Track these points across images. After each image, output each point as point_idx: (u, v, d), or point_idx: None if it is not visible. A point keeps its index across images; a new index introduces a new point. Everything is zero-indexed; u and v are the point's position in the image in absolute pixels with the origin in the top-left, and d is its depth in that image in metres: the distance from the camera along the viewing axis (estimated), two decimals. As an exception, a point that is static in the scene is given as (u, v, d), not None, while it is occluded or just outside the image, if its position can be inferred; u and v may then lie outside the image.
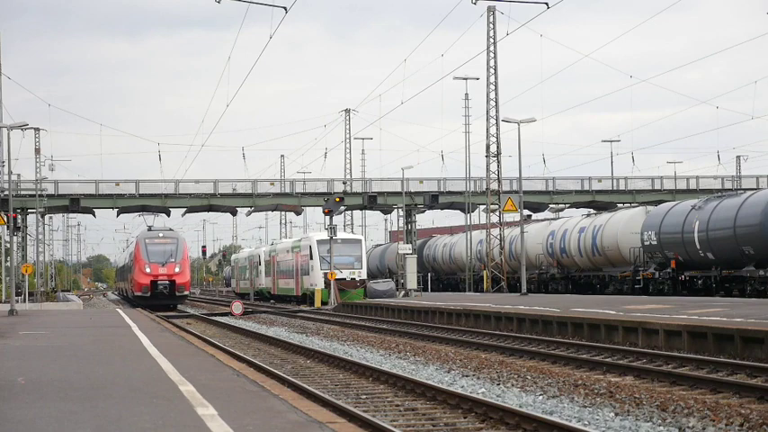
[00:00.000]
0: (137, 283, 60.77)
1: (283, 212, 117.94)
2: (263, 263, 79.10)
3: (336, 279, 55.00)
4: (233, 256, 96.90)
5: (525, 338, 26.80)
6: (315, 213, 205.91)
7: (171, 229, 64.59)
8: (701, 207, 42.99)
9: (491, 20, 59.00)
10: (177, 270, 60.08)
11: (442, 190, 78.36)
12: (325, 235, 57.92)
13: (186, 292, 61.80)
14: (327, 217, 56.38)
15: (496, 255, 62.06)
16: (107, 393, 12.87)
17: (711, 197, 44.83)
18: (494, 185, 60.63)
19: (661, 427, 12.98)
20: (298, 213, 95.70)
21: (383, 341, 28.15)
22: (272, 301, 73.16)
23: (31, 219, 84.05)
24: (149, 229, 63.99)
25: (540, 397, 15.73)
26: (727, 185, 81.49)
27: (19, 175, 77.10)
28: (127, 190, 77.63)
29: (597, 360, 20.64)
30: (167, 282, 59.77)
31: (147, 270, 59.72)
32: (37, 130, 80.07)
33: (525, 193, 60.04)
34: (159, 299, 59.68)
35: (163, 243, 61.00)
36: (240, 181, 78.58)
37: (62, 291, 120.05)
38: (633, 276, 49.31)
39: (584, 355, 21.84)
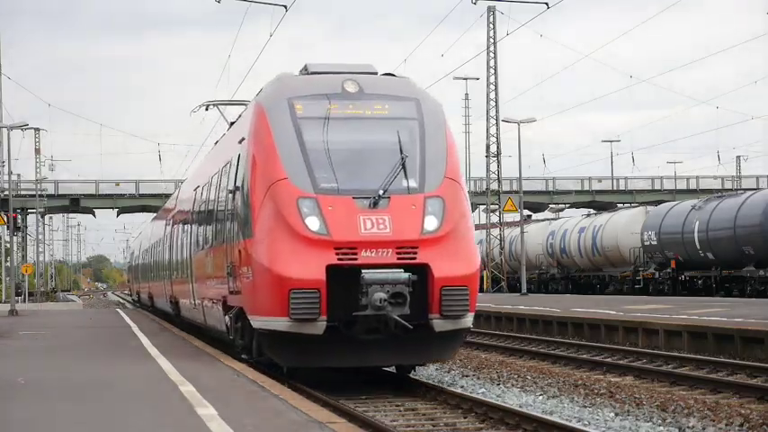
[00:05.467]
0: (262, 281, 14.38)
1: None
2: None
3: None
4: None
5: (525, 338, 26.80)
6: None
7: (390, 75, 16.63)
8: (701, 207, 42.99)
9: (491, 20, 58.98)
10: (434, 225, 14.50)
11: (442, 190, 78.23)
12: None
13: (470, 317, 14.79)
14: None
15: (496, 255, 62.02)
16: (107, 393, 12.87)
17: (711, 197, 44.85)
18: (494, 185, 60.60)
19: (661, 427, 12.98)
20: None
21: (383, 341, 28.06)
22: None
23: (31, 219, 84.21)
24: (304, 71, 16.54)
25: (540, 397, 15.73)
26: (727, 185, 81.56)
27: (19, 175, 77.17)
28: (127, 190, 77.62)
29: (597, 360, 20.64)
30: (399, 274, 14.04)
31: (314, 226, 14.19)
32: (37, 130, 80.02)
33: (525, 193, 60.03)
34: (361, 343, 14.37)
35: (371, 118, 15.51)
36: (240, 181, 78.36)
37: (62, 291, 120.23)
38: (633, 276, 49.30)
39: (584, 355, 21.83)
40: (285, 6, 25.98)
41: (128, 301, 77.78)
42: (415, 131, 15.41)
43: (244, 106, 20.16)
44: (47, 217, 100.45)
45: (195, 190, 22.67)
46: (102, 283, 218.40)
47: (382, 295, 13.80)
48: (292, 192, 14.48)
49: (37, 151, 79.82)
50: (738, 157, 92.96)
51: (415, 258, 14.32)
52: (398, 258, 14.25)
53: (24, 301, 67.02)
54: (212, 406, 11.08)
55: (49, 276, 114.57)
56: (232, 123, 20.26)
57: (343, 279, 14.05)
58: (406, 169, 14.91)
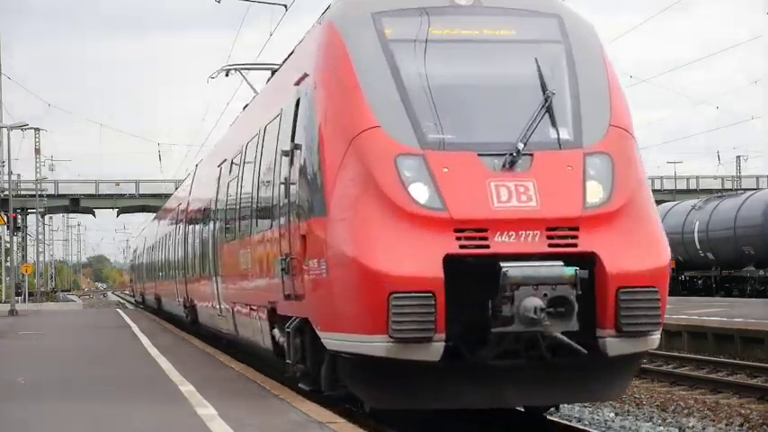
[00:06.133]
0: (344, 280, 9.82)
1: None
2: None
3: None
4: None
5: (525, 338, 26.76)
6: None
7: None
8: (701, 207, 43.05)
9: (491, 20, 58.97)
10: (601, 196, 9.97)
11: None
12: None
13: (658, 335, 10.06)
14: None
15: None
16: (107, 393, 12.86)
17: (711, 197, 44.94)
18: (494, 185, 60.48)
19: (661, 427, 13.00)
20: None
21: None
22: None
23: (31, 219, 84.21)
24: None
25: (541, 397, 15.68)
26: (728, 185, 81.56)
27: (19, 175, 77.10)
28: (127, 190, 77.64)
29: (597, 360, 20.61)
30: (562, 269, 9.48)
31: (422, 196, 9.77)
32: (37, 130, 79.83)
33: (525, 193, 59.99)
34: (492, 373, 9.85)
35: (494, 41, 10.90)
36: (240, 181, 78.27)
37: (62, 291, 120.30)
38: (633, 276, 49.28)
39: (584, 355, 21.82)
40: (285, 6, 25.94)
41: (128, 302, 77.79)
42: (561, 60, 10.78)
43: (270, 71, 16.87)
44: (47, 217, 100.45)
45: (220, 166, 18.20)
46: (102, 284, 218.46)
47: (538, 302, 9.20)
48: (388, 146, 9.93)
49: (37, 151, 79.74)
50: (738, 157, 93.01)
51: (575, 245, 9.76)
52: (551, 245, 9.70)
53: (24, 301, 67.02)
54: (212, 406, 11.06)
55: (48, 276, 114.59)
56: (274, 71, 15.40)
57: (469, 276, 9.52)
58: (554, 113, 10.31)
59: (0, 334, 27.93)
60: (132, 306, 64.03)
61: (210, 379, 14.18)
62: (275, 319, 12.58)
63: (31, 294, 76.75)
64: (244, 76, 22.74)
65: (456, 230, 9.57)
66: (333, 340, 10.19)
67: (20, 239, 73.32)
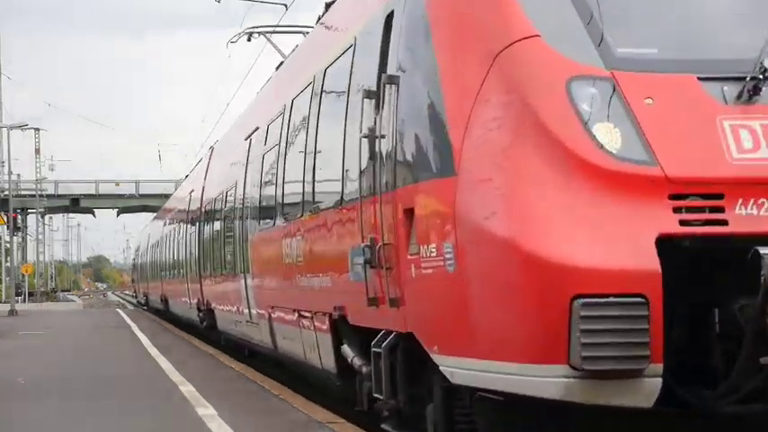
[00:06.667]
0: (489, 274, 6.07)
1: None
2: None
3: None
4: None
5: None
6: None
7: None
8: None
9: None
10: None
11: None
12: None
13: None
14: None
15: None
16: (107, 393, 12.86)
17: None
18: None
19: (662, 427, 12.94)
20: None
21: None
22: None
23: (31, 219, 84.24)
24: None
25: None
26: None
27: (19, 175, 77.09)
28: (127, 190, 77.65)
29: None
30: None
31: (613, 143, 5.93)
32: (37, 130, 79.90)
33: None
34: (721, 422, 6.04)
35: None
36: (240, 181, 78.20)
37: (62, 291, 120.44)
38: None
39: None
40: (285, 5, 25.96)
41: (129, 303, 77.83)
42: None
43: (302, 34, 15.70)
44: (47, 217, 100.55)
45: (249, 138, 15.03)
46: (102, 284, 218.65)
47: None
48: (555, 64, 6.26)
49: (37, 151, 79.78)
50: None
51: None
52: None
53: (24, 302, 67.10)
54: (212, 406, 11.06)
55: (49, 276, 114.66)
56: (329, 4, 11.90)
57: (690, 269, 5.95)
58: None
59: (0, 334, 27.93)
60: (133, 307, 63.99)
61: (210, 379, 14.18)
62: (346, 330, 9.23)
63: (31, 294, 76.82)
64: (269, 39, 20.25)
65: (673, 197, 5.97)
66: (460, 369, 6.61)
67: (20, 239, 73.36)
